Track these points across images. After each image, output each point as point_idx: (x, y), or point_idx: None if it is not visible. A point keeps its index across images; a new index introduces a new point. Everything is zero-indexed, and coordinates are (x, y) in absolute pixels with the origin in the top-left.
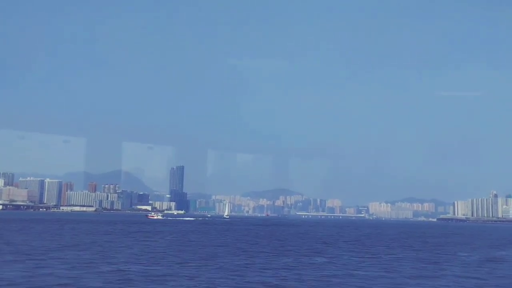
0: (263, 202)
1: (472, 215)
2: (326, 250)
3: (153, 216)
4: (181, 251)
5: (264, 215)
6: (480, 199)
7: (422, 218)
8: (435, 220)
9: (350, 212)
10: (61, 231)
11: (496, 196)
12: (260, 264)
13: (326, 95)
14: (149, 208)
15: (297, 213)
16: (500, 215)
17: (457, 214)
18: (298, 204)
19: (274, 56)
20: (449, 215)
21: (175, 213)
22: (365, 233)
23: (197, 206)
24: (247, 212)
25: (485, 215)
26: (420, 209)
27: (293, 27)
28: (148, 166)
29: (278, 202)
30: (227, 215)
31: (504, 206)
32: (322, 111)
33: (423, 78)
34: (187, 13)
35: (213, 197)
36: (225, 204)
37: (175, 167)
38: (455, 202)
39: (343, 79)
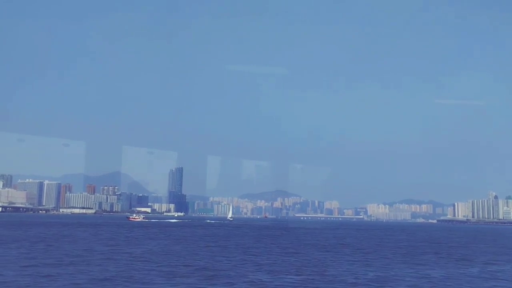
0: (261, 204)
1: (472, 217)
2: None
3: (134, 218)
4: None
5: (262, 216)
6: (480, 201)
7: (421, 220)
8: (434, 221)
9: (348, 214)
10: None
11: (496, 197)
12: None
13: (325, 100)
14: (148, 210)
15: (296, 215)
16: (501, 217)
17: (458, 216)
18: (296, 206)
19: (274, 62)
20: (449, 217)
21: (176, 215)
22: (412, 238)
23: (196, 208)
24: (245, 214)
25: (486, 216)
26: (418, 210)
27: (293, 33)
28: (146, 168)
29: (276, 204)
30: (230, 217)
31: (505, 208)
32: (320, 114)
33: (423, 85)
34: (186, 18)
35: (211, 199)
36: (224, 205)
37: (174, 169)
38: (455, 204)
39: (342, 84)
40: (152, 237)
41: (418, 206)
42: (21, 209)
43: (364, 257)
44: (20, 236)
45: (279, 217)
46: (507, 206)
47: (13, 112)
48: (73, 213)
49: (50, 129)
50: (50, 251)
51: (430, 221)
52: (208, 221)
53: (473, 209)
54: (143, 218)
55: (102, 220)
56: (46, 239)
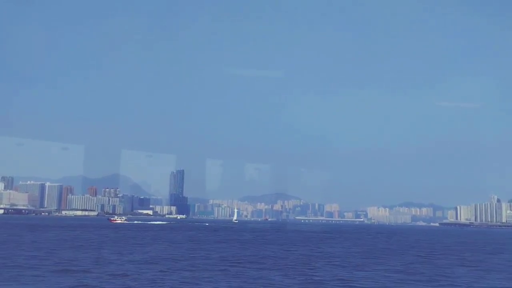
0: (261, 206)
1: (475, 220)
2: None
3: (116, 220)
4: None
5: (263, 219)
6: (483, 204)
7: (421, 223)
8: (436, 224)
9: (349, 217)
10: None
11: (499, 201)
12: None
13: (324, 102)
14: (150, 212)
15: (296, 217)
16: (504, 220)
17: (460, 219)
18: (297, 208)
19: (273, 65)
20: (452, 220)
21: (178, 217)
22: (452, 241)
23: (196, 211)
24: (246, 216)
25: (489, 220)
26: (418, 213)
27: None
28: (146, 171)
29: (276, 207)
30: (235, 220)
31: (508, 211)
32: (320, 117)
33: (422, 88)
34: (186, 24)
35: (211, 201)
36: (224, 208)
37: (175, 171)
38: (458, 207)
39: (341, 86)
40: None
41: (418, 209)
42: (23, 211)
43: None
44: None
45: (279, 220)
46: (511, 210)
47: (12, 116)
48: (76, 215)
49: (49, 133)
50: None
51: (431, 224)
52: (207, 224)
53: (475, 212)
54: (125, 220)
55: (90, 221)
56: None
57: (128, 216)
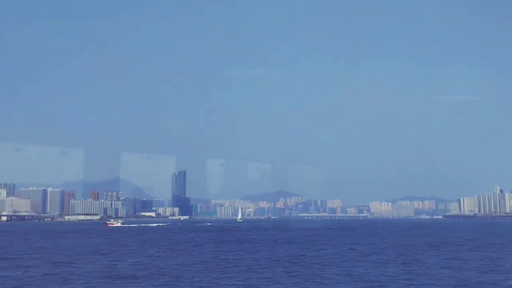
0: (263, 204)
1: (479, 211)
2: None
3: (112, 224)
4: None
5: (266, 217)
6: (487, 195)
7: (425, 216)
8: (440, 217)
9: (351, 212)
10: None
11: (502, 191)
12: None
13: (323, 97)
14: (153, 214)
15: (299, 214)
16: (508, 211)
17: (464, 211)
18: (299, 205)
19: (269, 65)
20: (455, 212)
21: (181, 218)
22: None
23: (198, 211)
24: (248, 215)
25: (493, 211)
26: (420, 207)
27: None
28: (146, 173)
29: (279, 204)
30: (240, 219)
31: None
32: (318, 114)
33: (421, 79)
34: (183, 25)
35: (213, 201)
36: (227, 208)
37: (177, 172)
38: (461, 199)
39: (338, 81)
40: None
41: (420, 203)
42: (26, 217)
43: None
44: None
45: (282, 217)
46: None
47: (10, 121)
48: (79, 220)
49: (47, 137)
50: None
51: (435, 217)
52: (210, 224)
53: (479, 203)
54: (121, 224)
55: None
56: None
57: (131, 219)
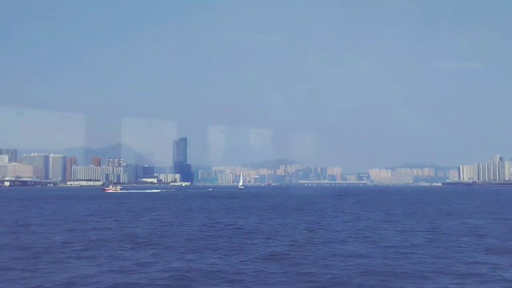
0: (264, 172)
1: (478, 179)
2: None
3: (109, 189)
4: None
5: (267, 184)
6: (486, 163)
7: (424, 183)
8: (439, 184)
9: (351, 179)
10: None
11: (501, 159)
12: None
13: (323, 64)
14: (154, 180)
15: (299, 181)
16: (507, 178)
17: (463, 178)
18: (299, 173)
19: (272, 32)
20: (455, 179)
21: (183, 184)
22: None
23: (199, 178)
24: (249, 182)
25: (492, 178)
26: (420, 174)
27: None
28: (148, 139)
29: (279, 171)
30: (241, 186)
31: (511, 169)
32: (320, 80)
33: (423, 47)
34: None
35: (214, 168)
36: (227, 174)
37: (178, 139)
38: (460, 166)
39: (340, 48)
40: None
41: (420, 170)
42: (29, 182)
43: None
44: None
45: (283, 184)
46: None
47: (10, 85)
48: (81, 186)
49: (48, 102)
50: None
51: (434, 184)
52: (211, 189)
53: (478, 171)
54: (120, 189)
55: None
56: None
57: (132, 184)
